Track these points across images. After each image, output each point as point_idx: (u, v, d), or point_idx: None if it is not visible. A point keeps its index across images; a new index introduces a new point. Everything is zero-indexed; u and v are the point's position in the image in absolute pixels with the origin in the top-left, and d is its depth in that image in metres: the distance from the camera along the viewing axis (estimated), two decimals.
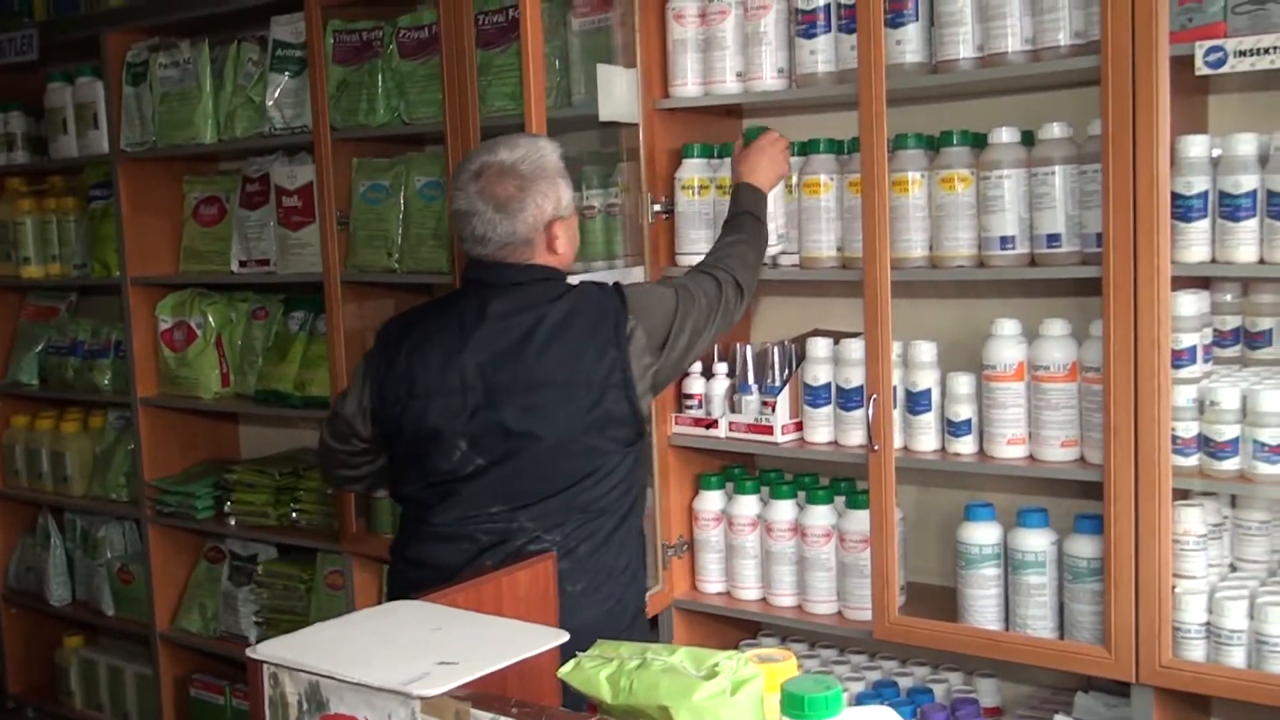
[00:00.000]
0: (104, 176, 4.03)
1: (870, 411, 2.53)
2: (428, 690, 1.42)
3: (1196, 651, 2.27)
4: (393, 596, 2.21)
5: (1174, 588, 2.28)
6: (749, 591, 2.84)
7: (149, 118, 3.80)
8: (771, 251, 2.69)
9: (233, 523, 3.82)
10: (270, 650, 1.56)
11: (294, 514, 3.69)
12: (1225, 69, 2.12)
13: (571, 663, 1.59)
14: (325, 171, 3.33)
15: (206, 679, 3.96)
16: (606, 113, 2.71)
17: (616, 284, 2.32)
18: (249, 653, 1.57)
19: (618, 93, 2.73)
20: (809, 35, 2.63)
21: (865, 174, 2.48)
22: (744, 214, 2.55)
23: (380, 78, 3.24)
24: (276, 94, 3.49)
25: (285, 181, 3.58)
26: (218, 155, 3.99)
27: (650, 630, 2.37)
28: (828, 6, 2.60)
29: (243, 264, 3.76)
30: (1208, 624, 2.27)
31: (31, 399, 4.51)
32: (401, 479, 2.31)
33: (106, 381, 4.19)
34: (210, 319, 3.86)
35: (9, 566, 4.60)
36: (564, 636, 1.63)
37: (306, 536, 3.64)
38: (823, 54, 2.62)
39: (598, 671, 1.55)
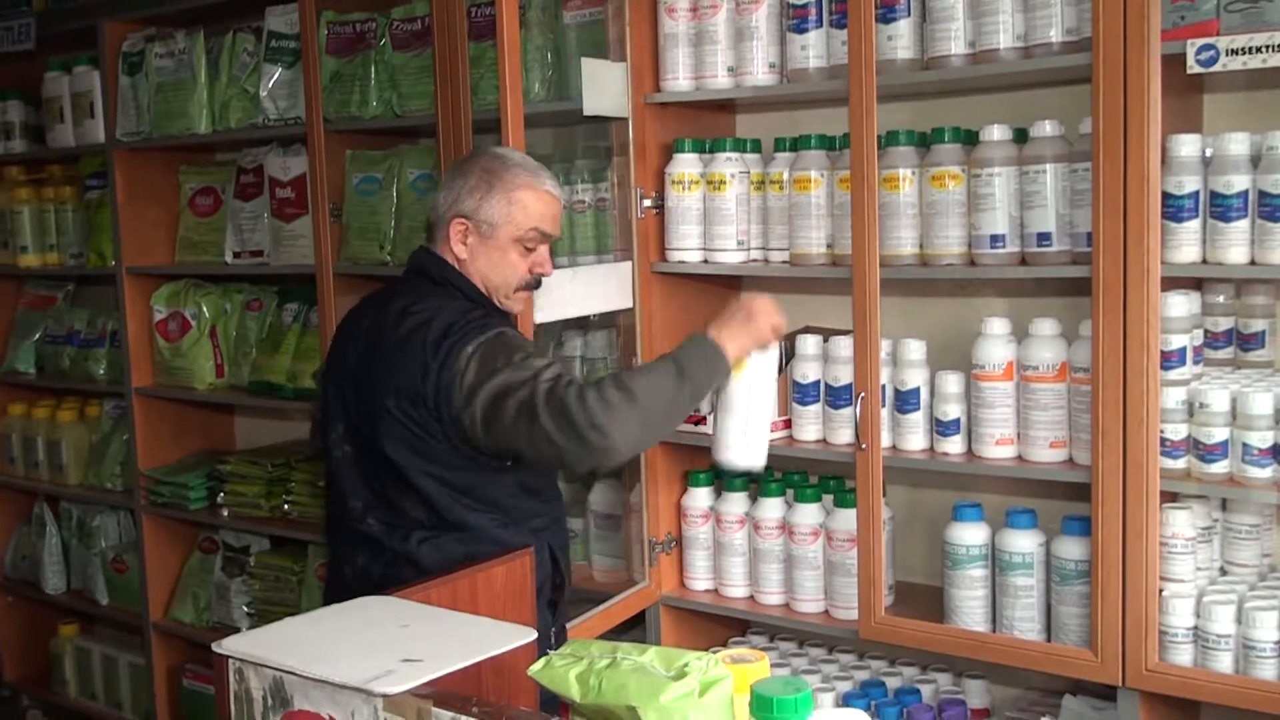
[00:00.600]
0: (100, 166, 4.02)
1: (858, 410, 2.50)
2: (390, 688, 1.41)
3: (1184, 656, 2.25)
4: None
5: (1161, 591, 2.26)
6: (736, 589, 2.83)
7: (144, 108, 3.78)
8: (735, 258, 2.67)
9: (225, 514, 3.82)
10: (235, 645, 1.55)
11: (286, 505, 3.68)
12: (1217, 68, 2.09)
13: (541, 661, 1.57)
14: (318, 163, 3.31)
15: (199, 669, 3.95)
16: (591, 107, 2.69)
17: (496, 334, 2.10)
18: (214, 647, 1.56)
19: (604, 87, 2.71)
20: (800, 30, 2.60)
21: (855, 170, 2.46)
22: (663, 359, 2.12)
23: (373, 70, 3.23)
24: (270, 85, 3.47)
25: (279, 173, 3.56)
26: (213, 146, 3.97)
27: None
28: (819, 2, 2.58)
29: (236, 255, 3.75)
30: (1195, 628, 2.25)
31: (28, 388, 4.50)
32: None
33: (102, 371, 4.18)
34: (205, 310, 3.84)
35: (5, 555, 4.60)
36: (533, 635, 1.62)
37: (298, 528, 3.63)
38: (814, 49, 2.60)
39: (567, 670, 1.54)
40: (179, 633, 3.95)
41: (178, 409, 4.03)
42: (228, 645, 1.55)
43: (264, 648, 1.54)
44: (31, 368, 4.44)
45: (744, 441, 2.27)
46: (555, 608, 2.30)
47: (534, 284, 2.28)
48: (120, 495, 4.13)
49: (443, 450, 2.12)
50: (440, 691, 1.41)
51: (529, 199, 2.20)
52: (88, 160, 4.13)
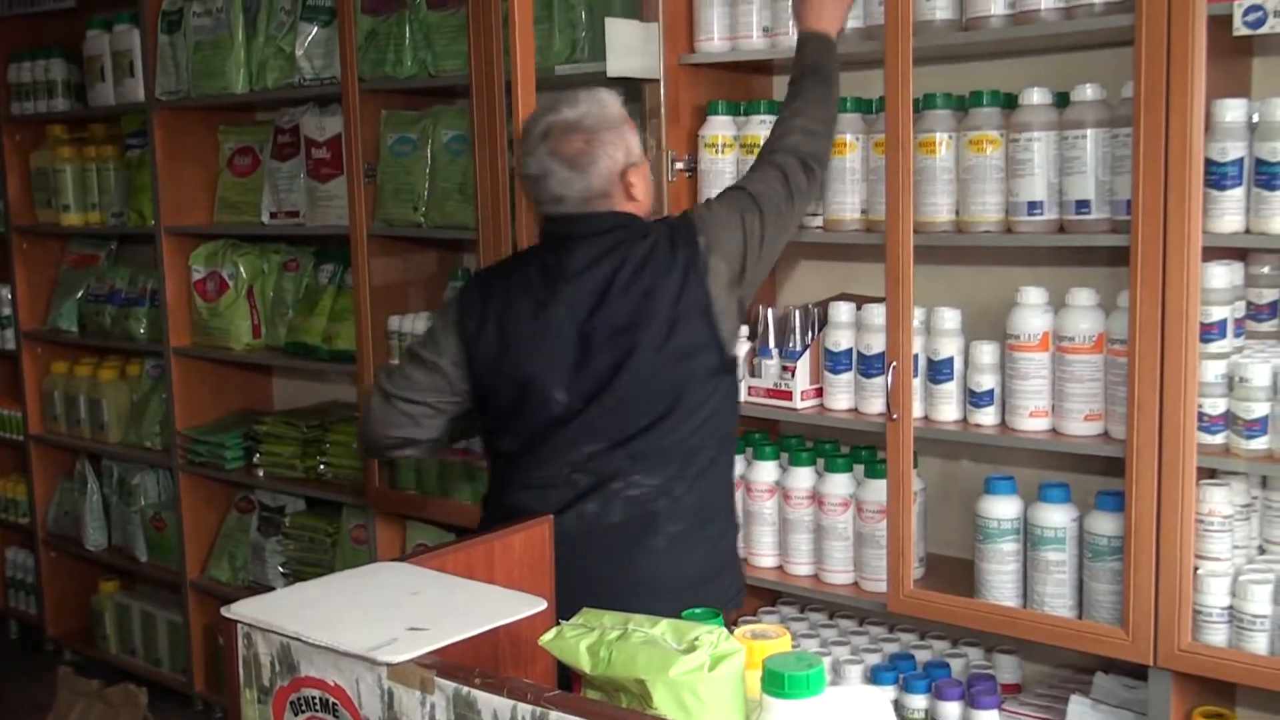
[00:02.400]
0: (140, 125, 4.06)
1: (890, 379, 2.47)
2: (393, 656, 1.41)
3: (1218, 636, 2.21)
4: None
5: (1196, 569, 2.22)
6: (765, 559, 2.81)
7: (183, 66, 3.80)
8: None
9: (261, 474, 3.86)
10: (244, 610, 1.56)
11: (321, 466, 3.71)
12: (1265, 29, 2.03)
13: (553, 631, 1.58)
14: (353, 123, 3.31)
15: None
16: (617, 68, 2.66)
17: (686, 212, 2.32)
18: (223, 611, 1.57)
19: (632, 47, 2.68)
20: None
21: (890, 134, 2.42)
22: (808, 73, 2.41)
23: (408, 28, 3.21)
24: (306, 44, 3.47)
25: (314, 133, 3.57)
26: (253, 105, 3.99)
27: (741, 586, 2.37)
28: None
29: (273, 215, 3.77)
30: (1230, 608, 2.20)
31: (71, 346, 4.57)
32: (498, 432, 2.31)
33: (142, 330, 4.23)
34: (242, 270, 3.87)
35: (48, 511, 4.69)
36: (543, 604, 1.61)
37: (332, 490, 3.66)
38: (851, 10, 2.55)
39: (578, 641, 1.54)
40: (215, 591, 4.01)
41: (215, 369, 4.07)
42: (236, 610, 1.56)
43: (273, 613, 1.55)
44: (74, 326, 4.51)
45: None
46: None
47: None
48: (159, 454, 4.19)
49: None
50: (443, 661, 1.41)
51: (625, 115, 2.30)
52: (129, 119, 4.17)
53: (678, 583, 2.19)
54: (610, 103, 2.27)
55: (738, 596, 2.35)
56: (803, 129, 2.36)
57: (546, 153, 2.21)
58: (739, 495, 2.83)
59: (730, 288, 2.24)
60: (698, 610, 1.72)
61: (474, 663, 1.47)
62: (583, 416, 2.19)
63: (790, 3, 2.58)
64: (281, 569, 3.86)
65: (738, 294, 2.26)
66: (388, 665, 1.40)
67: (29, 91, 4.42)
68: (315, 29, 3.47)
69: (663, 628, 1.54)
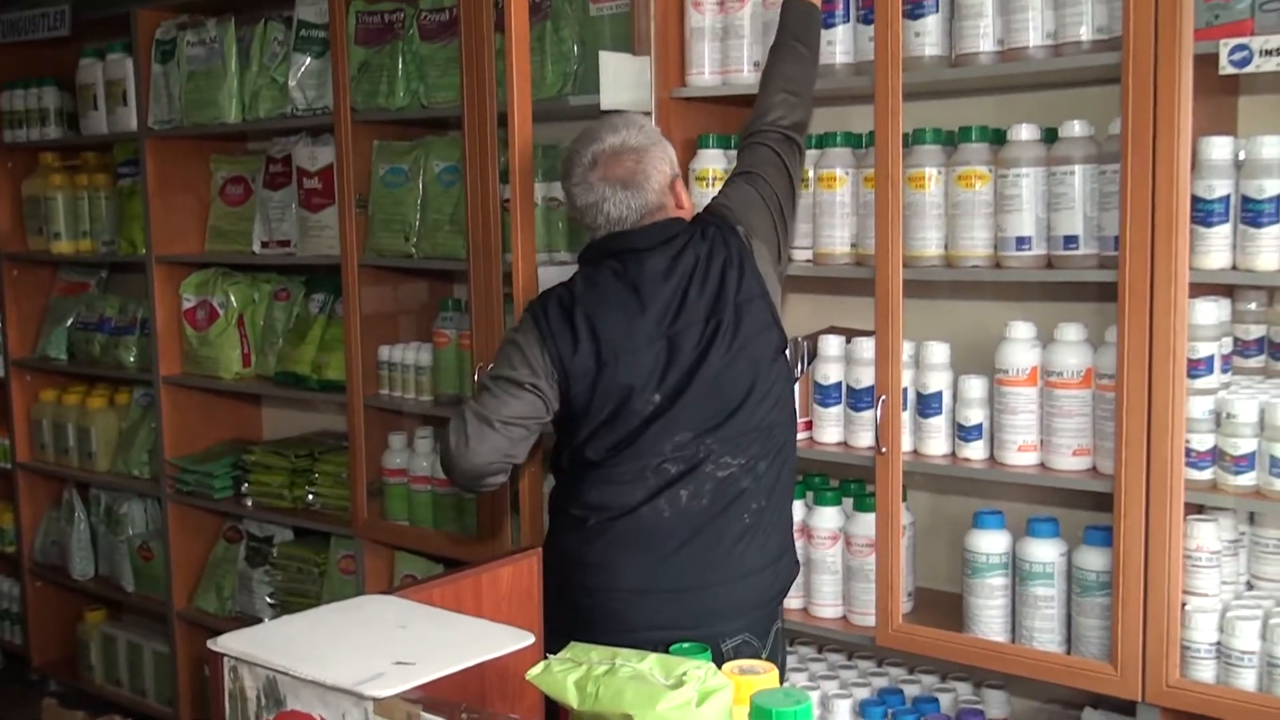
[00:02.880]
0: (132, 154, 4.08)
1: (879, 413, 2.48)
2: (380, 691, 1.41)
3: (1206, 672, 2.22)
4: (562, 547, 2.35)
5: (1184, 605, 2.23)
6: None
7: (176, 96, 3.82)
8: None
9: (249, 503, 3.86)
10: (230, 643, 1.56)
11: (309, 496, 3.71)
12: (1250, 68, 2.06)
13: (540, 665, 1.58)
14: (345, 153, 3.33)
15: None
16: (609, 101, 2.68)
17: (716, 207, 2.43)
18: (210, 644, 1.57)
19: (624, 81, 2.70)
20: (827, 25, 2.58)
21: (880, 169, 2.44)
22: (789, 42, 2.52)
23: (401, 60, 3.24)
24: (299, 74, 3.49)
25: (306, 163, 3.59)
26: (245, 135, 4.01)
27: (797, 563, 2.48)
28: None
29: (264, 245, 3.78)
30: (1218, 644, 2.21)
31: (60, 374, 4.57)
32: (587, 442, 2.34)
33: (132, 359, 4.23)
34: (233, 299, 3.88)
35: (35, 540, 4.68)
36: (531, 638, 1.62)
37: (320, 520, 3.66)
38: (841, 44, 2.58)
39: (566, 676, 1.54)
40: (202, 621, 4.00)
41: (204, 398, 4.07)
42: (223, 643, 1.56)
43: (259, 646, 1.55)
44: (63, 354, 4.51)
45: None
46: None
47: None
48: (147, 483, 4.18)
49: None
50: (429, 696, 1.41)
51: (660, 131, 2.47)
52: (121, 148, 4.18)
53: (755, 563, 2.30)
54: (646, 123, 2.41)
55: (795, 572, 2.46)
56: (784, 102, 2.48)
57: (599, 179, 2.32)
58: None
59: (773, 265, 2.39)
60: (685, 645, 1.73)
61: (461, 697, 1.47)
62: (671, 411, 2.28)
63: None
64: (269, 599, 3.85)
65: (779, 271, 2.43)
66: (374, 700, 1.40)
67: (22, 119, 4.44)
68: (308, 60, 3.49)
69: (651, 662, 1.54)
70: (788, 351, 2.42)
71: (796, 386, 2.70)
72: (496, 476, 2.42)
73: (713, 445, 2.27)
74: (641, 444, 2.29)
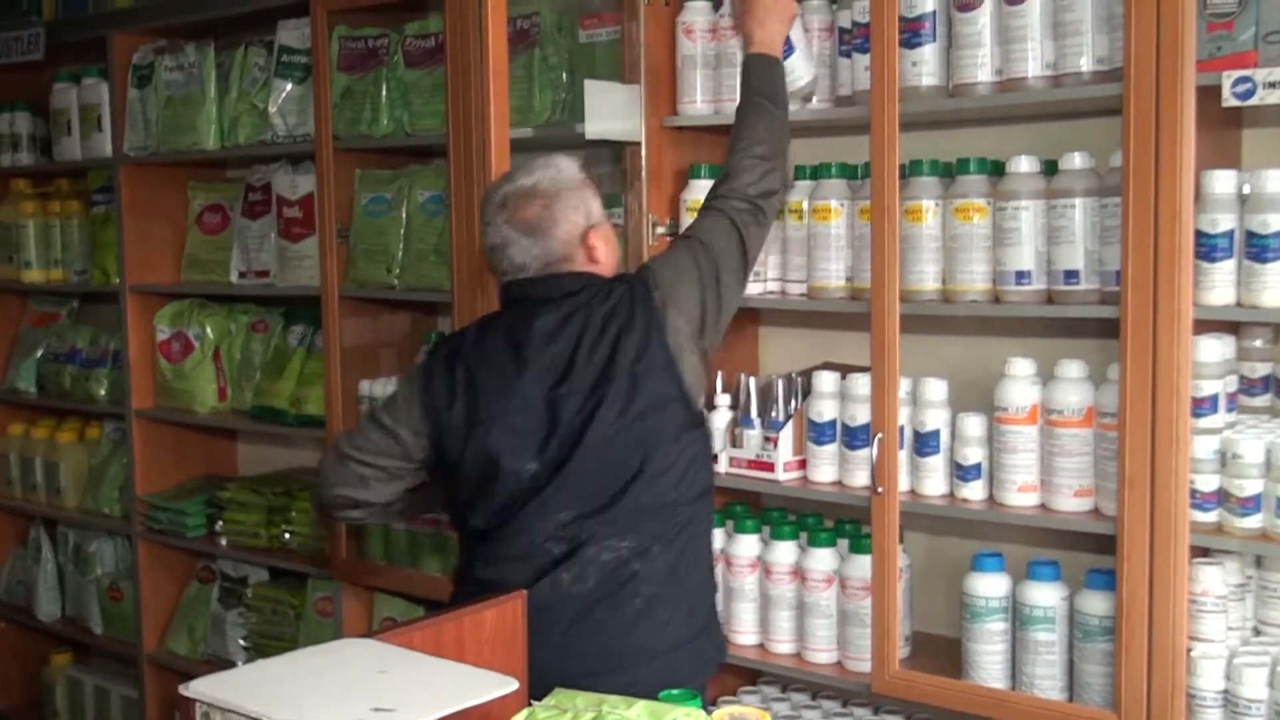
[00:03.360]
0: (107, 181, 4.07)
1: (875, 451, 2.48)
2: None
3: None
4: None
5: (1190, 651, 2.22)
6: (746, 636, 2.80)
7: (153, 121, 3.82)
8: (750, 289, 2.65)
9: (224, 542, 3.83)
10: (203, 688, 1.54)
11: (285, 535, 3.69)
12: (1254, 101, 2.07)
13: (525, 712, 1.57)
14: (326, 182, 3.33)
15: None
16: (595, 130, 2.69)
17: (642, 267, 2.37)
18: (181, 689, 1.55)
19: (611, 110, 2.71)
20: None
21: (876, 201, 2.44)
22: (755, 100, 2.44)
23: (385, 86, 3.25)
24: (280, 101, 3.50)
25: (287, 191, 3.59)
26: (224, 162, 4.01)
27: (721, 646, 2.40)
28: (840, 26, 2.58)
29: (242, 275, 3.77)
30: (1225, 691, 2.20)
31: (28, 407, 4.54)
32: (468, 508, 2.31)
33: (103, 392, 4.21)
34: (209, 331, 3.87)
35: (0, 579, 4.63)
36: (514, 684, 1.60)
37: (297, 560, 3.64)
38: (837, 73, 2.59)
39: None
40: (173, 665, 3.96)
41: (178, 433, 4.05)
42: (195, 688, 1.54)
43: (233, 691, 1.53)
44: (33, 386, 4.49)
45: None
46: None
47: None
48: (118, 521, 4.16)
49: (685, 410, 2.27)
50: None
51: (584, 178, 2.35)
52: (94, 174, 4.18)
53: (657, 647, 2.21)
54: (566, 166, 2.32)
55: (718, 657, 2.37)
56: (755, 166, 2.38)
57: (504, 221, 2.27)
58: (719, 570, 2.83)
59: (692, 340, 2.28)
60: (675, 691, 1.71)
61: None
62: (553, 485, 2.20)
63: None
64: (243, 642, 3.82)
65: (700, 345, 2.30)
66: None
67: None
68: (290, 86, 3.49)
69: (638, 710, 1.53)
70: (722, 439, 2.43)
71: (790, 425, 2.70)
72: (350, 511, 2.45)
73: (596, 527, 2.19)
74: (523, 518, 2.23)
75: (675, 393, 2.23)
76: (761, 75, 2.46)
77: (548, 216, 2.26)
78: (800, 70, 2.55)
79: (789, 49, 2.52)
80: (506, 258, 2.28)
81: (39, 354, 4.49)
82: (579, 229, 2.28)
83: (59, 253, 4.38)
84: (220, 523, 3.84)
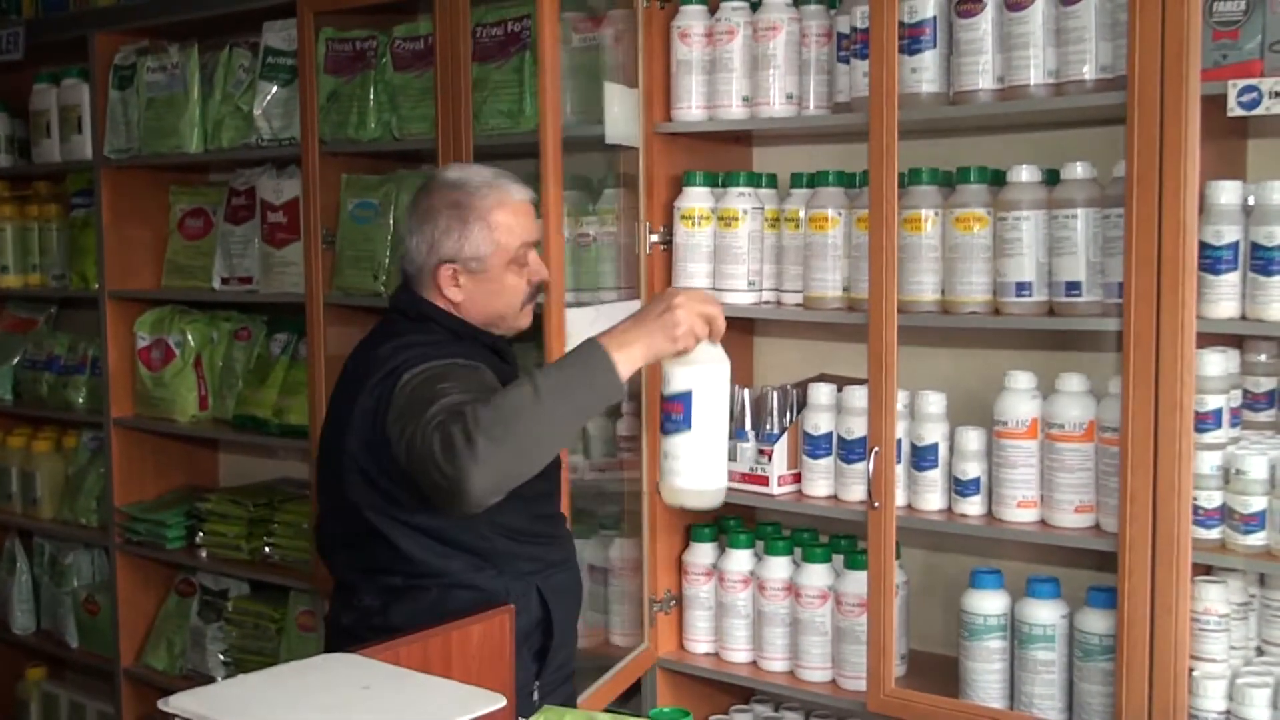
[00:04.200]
0: (87, 184, 4.06)
1: (871, 465, 2.48)
2: None
3: None
4: None
5: (1192, 671, 2.22)
6: (739, 654, 2.80)
7: (135, 124, 3.81)
8: (745, 298, 2.65)
9: (203, 555, 3.82)
10: (183, 703, 1.54)
11: (267, 548, 3.67)
12: (1260, 110, 2.08)
13: None
14: (312, 187, 3.32)
15: None
16: (614, 134, 2.66)
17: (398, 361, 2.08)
18: (161, 704, 1.55)
19: (625, 113, 2.69)
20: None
21: (874, 210, 2.45)
22: (530, 375, 1.93)
23: (373, 90, 3.24)
24: (265, 103, 3.49)
25: (271, 196, 3.58)
26: (206, 166, 4.00)
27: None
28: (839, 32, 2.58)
29: (225, 281, 3.76)
30: (1228, 712, 2.21)
31: (4, 415, 4.52)
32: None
33: (81, 400, 4.19)
34: (190, 338, 3.85)
35: None
36: (502, 701, 1.60)
37: (279, 573, 3.62)
38: (836, 79, 2.59)
39: None
40: (151, 680, 3.94)
41: (158, 442, 4.04)
42: (175, 703, 1.54)
43: (214, 707, 1.53)
44: (9, 394, 4.47)
45: (682, 467, 1.98)
46: (544, 657, 2.26)
47: (535, 293, 2.27)
48: (95, 532, 4.14)
49: (401, 491, 2.08)
50: None
51: (507, 218, 2.17)
52: (74, 177, 4.17)
53: None
54: (488, 192, 2.18)
55: None
56: (470, 419, 1.84)
57: (410, 202, 2.26)
58: (711, 584, 2.83)
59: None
60: (666, 710, 1.71)
61: None
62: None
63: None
64: (223, 657, 3.80)
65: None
66: None
67: None
68: (275, 88, 3.49)
69: None
70: None
71: (785, 437, 2.70)
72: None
73: (348, 569, 2.27)
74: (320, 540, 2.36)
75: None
76: (565, 358, 1.98)
77: (427, 217, 2.20)
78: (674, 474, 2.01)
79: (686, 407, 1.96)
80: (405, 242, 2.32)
81: (15, 360, 4.47)
82: (437, 253, 2.16)
83: (37, 257, 4.37)
84: (200, 534, 3.82)
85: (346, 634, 2.16)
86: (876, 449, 2.48)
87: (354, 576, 2.24)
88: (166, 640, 3.96)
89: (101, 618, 4.14)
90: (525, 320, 2.26)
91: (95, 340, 4.10)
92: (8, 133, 4.36)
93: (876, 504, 2.48)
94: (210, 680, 3.72)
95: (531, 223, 2.23)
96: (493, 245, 2.16)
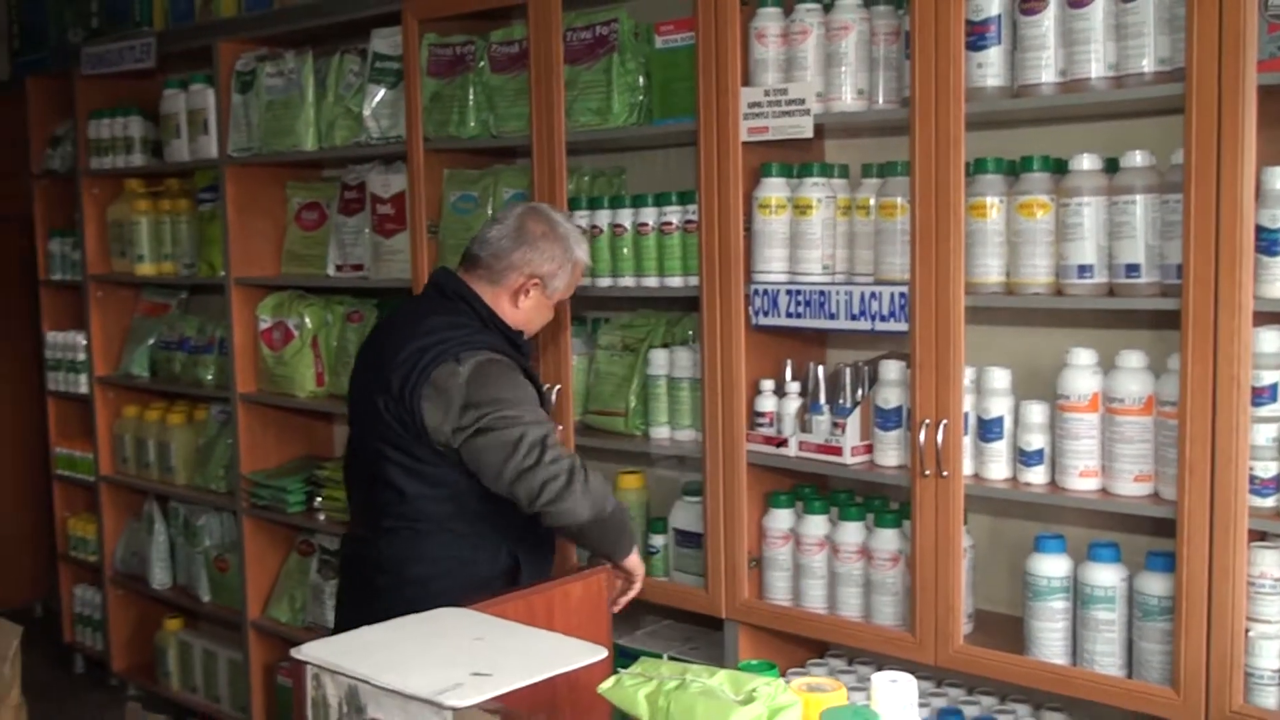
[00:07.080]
0: (212, 180, 4.13)
1: (939, 436, 2.46)
2: (460, 701, 1.42)
3: (1269, 698, 2.17)
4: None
5: (1248, 631, 2.18)
6: (816, 611, 2.79)
7: (255, 125, 3.88)
8: (819, 281, 2.65)
9: (321, 518, 3.89)
10: (313, 651, 1.57)
11: None
12: None
13: (612, 679, 1.57)
14: (417, 181, 3.36)
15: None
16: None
17: (460, 361, 2.43)
18: (293, 652, 1.59)
19: None
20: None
21: (941, 197, 2.42)
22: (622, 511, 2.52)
23: (471, 91, 3.27)
24: (374, 104, 3.53)
25: (380, 190, 3.62)
26: (320, 162, 4.06)
27: None
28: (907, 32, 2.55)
29: (338, 268, 3.82)
30: None
31: (141, 390, 4.64)
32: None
33: (210, 377, 4.28)
34: (307, 320, 3.92)
35: (116, 550, 4.74)
36: (604, 653, 1.61)
37: None
38: (905, 75, 2.56)
39: (637, 690, 1.53)
40: (275, 631, 4.03)
41: (280, 415, 4.11)
42: (306, 651, 1.58)
43: (341, 655, 1.56)
44: (145, 372, 4.58)
45: None
46: None
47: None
48: (224, 496, 4.23)
49: (422, 449, 2.43)
50: (507, 707, 1.41)
51: (579, 270, 2.63)
52: (201, 174, 4.25)
53: None
54: (582, 249, 2.63)
55: None
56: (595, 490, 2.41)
57: (516, 213, 2.59)
58: (789, 547, 2.83)
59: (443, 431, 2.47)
60: (753, 662, 1.72)
61: (534, 708, 1.47)
62: None
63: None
64: None
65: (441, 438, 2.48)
66: (454, 710, 1.41)
67: (108, 147, 4.52)
68: (383, 90, 3.53)
69: (720, 678, 1.53)
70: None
71: (857, 411, 2.69)
72: None
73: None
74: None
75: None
76: (624, 534, 2.51)
77: (538, 233, 2.56)
78: None
79: None
80: (485, 229, 2.58)
81: (151, 342, 4.59)
82: (535, 267, 2.54)
83: (169, 248, 4.47)
84: (318, 499, 3.90)
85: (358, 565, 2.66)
86: (945, 421, 2.45)
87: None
88: (289, 595, 4.05)
89: (230, 574, 4.23)
90: (533, 332, 2.67)
91: (222, 323, 4.18)
92: (142, 134, 4.45)
93: (946, 473, 2.46)
94: (329, 631, 3.79)
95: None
96: (567, 284, 2.60)
